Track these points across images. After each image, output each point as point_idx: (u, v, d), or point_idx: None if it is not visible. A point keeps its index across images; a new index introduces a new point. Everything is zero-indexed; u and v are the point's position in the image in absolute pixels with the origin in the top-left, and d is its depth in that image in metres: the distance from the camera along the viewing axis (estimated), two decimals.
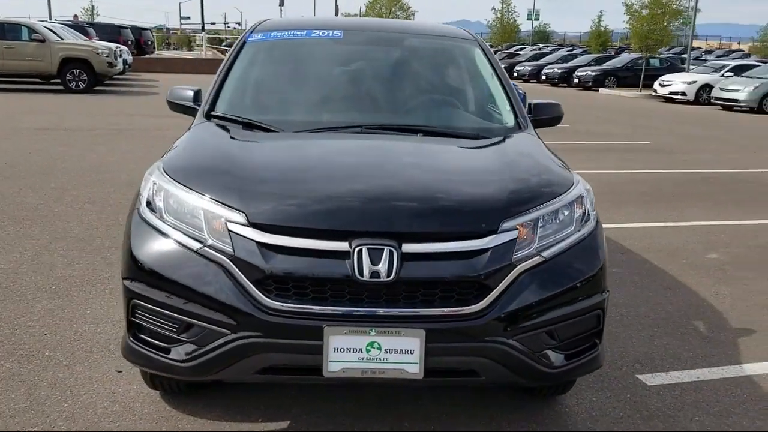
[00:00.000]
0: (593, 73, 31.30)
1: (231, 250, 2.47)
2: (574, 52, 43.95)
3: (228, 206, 2.54)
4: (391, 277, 2.38)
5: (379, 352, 2.41)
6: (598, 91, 30.04)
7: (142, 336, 2.67)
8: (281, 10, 64.30)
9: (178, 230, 2.59)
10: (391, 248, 2.40)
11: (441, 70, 4.23)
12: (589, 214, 2.84)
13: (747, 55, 49.15)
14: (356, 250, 2.40)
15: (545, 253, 2.59)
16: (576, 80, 31.61)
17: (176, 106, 3.79)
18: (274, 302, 2.42)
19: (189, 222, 2.59)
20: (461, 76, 4.20)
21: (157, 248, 2.60)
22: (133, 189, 3.14)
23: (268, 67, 4.01)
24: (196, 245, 2.53)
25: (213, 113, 3.52)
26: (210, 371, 2.53)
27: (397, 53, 4.17)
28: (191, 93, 3.74)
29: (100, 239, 5.53)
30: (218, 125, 3.40)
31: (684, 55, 34.68)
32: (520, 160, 3.13)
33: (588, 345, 2.76)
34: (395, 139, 3.40)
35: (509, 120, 3.70)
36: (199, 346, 2.50)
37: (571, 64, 34.72)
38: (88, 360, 3.56)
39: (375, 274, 2.38)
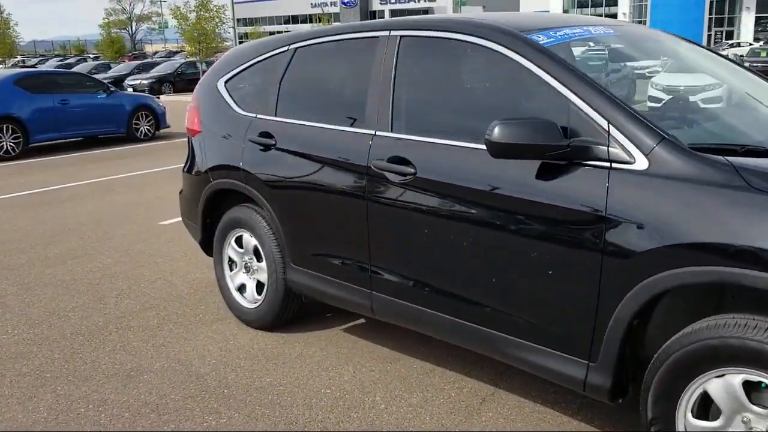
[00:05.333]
0: (147, 81, 28.81)
1: None
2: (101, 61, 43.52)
3: None
4: None
5: None
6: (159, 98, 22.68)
7: None
8: None
9: None
10: None
11: None
12: None
13: None
14: None
15: None
16: (130, 89, 25.98)
17: (526, 149, 2.54)
18: None
19: None
20: None
21: None
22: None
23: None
24: None
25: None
26: None
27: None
28: (549, 126, 2.53)
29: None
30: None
31: None
32: None
33: None
34: None
35: None
36: None
37: (154, 73, 31.01)
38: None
39: None
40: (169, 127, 14.88)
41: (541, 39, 2.91)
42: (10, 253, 6.10)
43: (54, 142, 13.30)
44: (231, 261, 4.32)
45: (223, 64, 4.45)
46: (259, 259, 4.10)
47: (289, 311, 4.08)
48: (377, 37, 3.46)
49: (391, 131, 3.25)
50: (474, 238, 2.88)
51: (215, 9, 28.57)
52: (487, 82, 3.14)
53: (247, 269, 4.23)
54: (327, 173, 3.51)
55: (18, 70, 16.37)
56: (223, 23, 29.78)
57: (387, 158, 3.19)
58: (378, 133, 3.30)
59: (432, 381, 3.50)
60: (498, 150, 2.59)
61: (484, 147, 2.80)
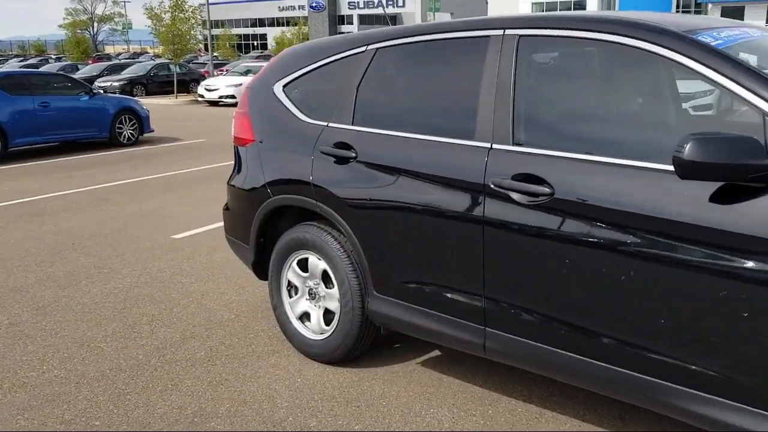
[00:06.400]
0: (118, 83, 27.80)
1: None
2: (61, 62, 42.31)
3: None
4: None
5: None
6: None
7: None
8: None
9: None
10: None
11: None
12: None
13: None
14: None
15: None
16: (101, 91, 21.21)
17: (724, 169, 2.17)
18: None
19: None
20: None
21: None
22: None
23: None
24: None
25: None
26: None
27: None
28: (753, 143, 2.16)
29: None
30: None
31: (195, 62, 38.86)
32: None
33: None
34: None
35: None
36: None
37: (125, 75, 30.00)
38: None
39: None
40: (153, 131, 14.19)
41: (710, 41, 2.52)
42: (14, 271, 5.51)
43: (33, 146, 12.53)
44: (291, 286, 3.84)
45: (279, 66, 3.97)
46: (328, 284, 3.64)
47: (363, 344, 3.62)
48: (488, 36, 3.03)
49: (512, 144, 2.84)
50: (636, 272, 2.46)
51: (191, 10, 27.71)
52: (643, 90, 2.74)
53: (312, 296, 3.76)
54: (428, 191, 3.07)
55: None
56: (198, 25, 28.90)
57: (512, 176, 2.77)
58: (495, 146, 2.87)
59: (546, 427, 3.08)
60: (690, 169, 2.19)
61: (647, 165, 2.43)
